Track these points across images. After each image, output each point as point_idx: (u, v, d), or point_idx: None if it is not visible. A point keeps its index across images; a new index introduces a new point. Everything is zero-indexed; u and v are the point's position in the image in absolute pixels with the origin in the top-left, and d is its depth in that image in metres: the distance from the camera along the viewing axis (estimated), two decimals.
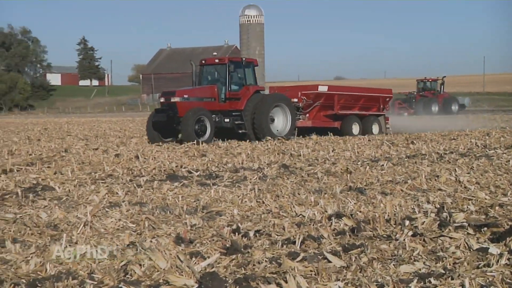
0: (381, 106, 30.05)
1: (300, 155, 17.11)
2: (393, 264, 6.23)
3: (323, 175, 12.77)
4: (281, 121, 25.58)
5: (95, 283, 5.73)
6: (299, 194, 10.40)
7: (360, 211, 8.80)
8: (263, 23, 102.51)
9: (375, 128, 29.01)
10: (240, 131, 24.60)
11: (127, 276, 5.97)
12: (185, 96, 23.83)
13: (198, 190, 11.19)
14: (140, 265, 6.15)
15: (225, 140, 23.86)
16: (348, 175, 12.83)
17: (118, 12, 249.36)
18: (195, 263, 6.27)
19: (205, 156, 17.30)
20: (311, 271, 6.07)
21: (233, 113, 24.66)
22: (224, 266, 6.27)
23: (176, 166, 14.80)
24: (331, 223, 8.07)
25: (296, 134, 26.10)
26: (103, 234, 7.66)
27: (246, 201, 9.80)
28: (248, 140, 23.35)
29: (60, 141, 25.62)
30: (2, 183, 11.94)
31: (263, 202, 9.65)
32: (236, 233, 7.58)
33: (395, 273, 6.01)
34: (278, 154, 17.81)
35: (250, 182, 11.94)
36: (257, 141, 23.22)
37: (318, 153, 17.75)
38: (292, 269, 6.03)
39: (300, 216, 8.62)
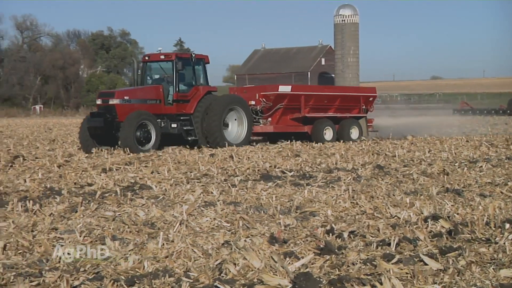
0: (363, 107, 26.77)
1: (395, 156, 16.88)
2: (493, 268, 6.06)
3: (418, 176, 12.55)
4: (236, 127, 22.54)
5: (191, 281, 5.82)
6: (394, 195, 10.26)
7: (457, 213, 8.60)
8: (357, 23, 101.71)
9: (354, 132, 25.76)
10: (190, 138, 21.61)
11: (222, 274, 6.03)
12: (126, 97, 20.76)
13: (291, 190, 11.20)
14: (235, 264, 6.20)
15: (178, 147, 21.00)
16: (445, 176, 12.57)
17: (214, 14, 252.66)
18: (289, 263, 6.27)
19: (299, 157, 17.30)
20: (406, 273, 5.97)
21: (181, 118, 21.55)
22: (318, 267, 6.25)
23: (270, 166, 14.86)
24: (427, 225, 7.92)
25: (251, 141, 23.44)
26: (198, 233, 7.77)
27: (340, 202, 9.74)
28: (199, 148, 20.82)
29: None
30: (102, 182, 12.31)
31: (357, 203, 9.56)
32: (330, 234, 7.54)
33: (494, 277, 5.84)
34: (372, 154, 17.62)
35: (344, 183, 11.86)
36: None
37: (414, 154, 17.46)
38: (387, 271, 5.95)
39: (395, 217, 8.50)
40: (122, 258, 6.53)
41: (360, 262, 6.33)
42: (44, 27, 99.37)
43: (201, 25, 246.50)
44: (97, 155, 18.11)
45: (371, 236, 7.50)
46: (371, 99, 27.32)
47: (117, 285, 5.73)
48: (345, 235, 7.49)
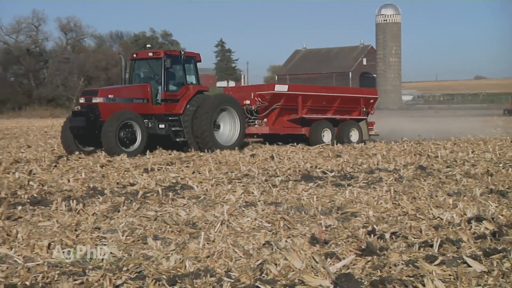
0: (363, 109, 25.71)
1: (438, 157, 16.69)
2: None
3: (462, 177, 12.40)
4: (228, 128, 21.23)
5: (232, 281, 5.83)
6: (436, 196, 10.15)
7: (502, 215, 8.48)
8: (399, 22, 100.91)
9: (354, 135, 24.68)
10: (178, 140, 20.46)
11: (262, 275, 6.04)
12: (110, 96, 19.71)
13: (333, 190, 11.16)
14: (276, 264, 6.20)
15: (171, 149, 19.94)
16: (489, 177, 12.38)
17: (255, 14, 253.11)
18: (330, 263, 6.25)
19: (340, 157, 17.23)
20: (449, 275, 5.91)
21: (170, 118, 20.39)
22: (359, 268, 6.22)
23: (310, 167, 14.82)
24: (471, 226, 7.83)
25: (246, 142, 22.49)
26: (239, 233, 7.78)
27: (381, 203, 9.67)
28: (190, 150, 19.78)
29: None
30: (144, 182, 12.41)
31: (399, 204, 9.48)
32: (372, 235, 7.50)
33: None
34: (414, 155, 17.46)
35: (385, 184, 11.78)
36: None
37: (457, 155, 17.25)
38: (430, 273, 5.90)
39: (438, 218, 8.41)
40: (164, 257, 6.58)
41: (402, 264, 6.28)
42: (88, 28, 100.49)
43: (243, 26, 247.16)
44: (138, 157, 18.26)
45: (413, 237, 7.44)
46: (371, 101, 26.40)
47: (159, 285, 5.77)
48: (387, 236, 7.43)
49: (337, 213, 9.09)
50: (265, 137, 24.35)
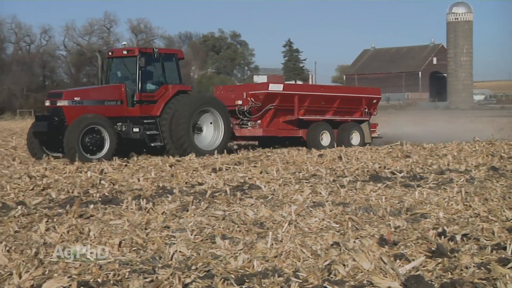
0: (366, 110, 24.25)
1: (511, 158, 16.30)
2: None
3: None
4: (211, 131, 19.74)
5: (300, 281, 5.82)
6: (510, 197, 9.92)
7: None
8: (471, 21, 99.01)
9: (355, 138, 23.27)
10: (153, 144, 18.90)
11: (331, 275, 6.01)
12: (76, 98, 18.29)
13: (402, 191, 11.02)
14: (344, 265, 6.16)
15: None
16: None
17: (323, 14, 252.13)
18: (400, 265, 6.17)
19: (409, 158, 17.00)
20: None
21: (145, 121, 18.87)
22: (429, 270, 6.12)
23: (379, 167, 14.68)
24: None
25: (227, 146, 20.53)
26: (307, 233, 7.76)
27: (452, 204, 9.50)
28: (168, 155, 18.27)
29: None
30: (212, 181, 12.51)
31: (470, 206, 9.29)
32: (442, 237, 7.37)
33: None
34: (486, 156, 17.08)
35: (456, 185, 11.57)
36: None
37: None
38: (503, 276, 5.76)
39: (511, 221, 8.21)
40: (232, 257, 6.62)
41: (473, 266, 6.15)
42: (157, 29, 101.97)
43: (311, 25, 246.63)
44: (203, 157, 18.41)
45: (485, 240, 7.28)
46: (374, 101, 24.88)
47: (227, 284, 5.80)
48: (458, 238, 7.30)
49: (406, 214, 8.98)
50: (260, 140, 23.33)
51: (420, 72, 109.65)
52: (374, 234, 7.61)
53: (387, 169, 14.44)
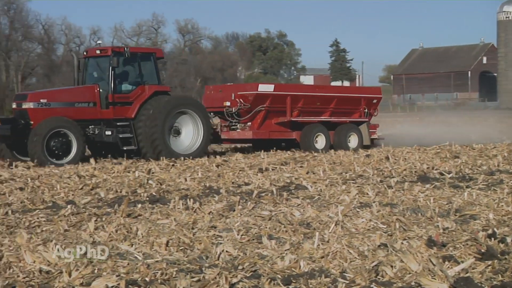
0: (365, 111, 22.92)
1: None
2: None
3: None
4: (191, 134, 18.81)
5: (347, 282, 5.78)
6: None
7: None
8: None
9: (353, 140, 22.08)
10: (126, 148, 17.98)
11: (378, 277, 5.96)
12: (43, 100, 17.49)
13: (450, 192, 10.88)
14: (392, 266, 6.11)
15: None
16: None
17: (370, 13, 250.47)
18: (448, 267, 6.09)
19: (458, 158, 16.78)
20: None
21: (118, 123, 18.04)
22: (479, 272, 6.03)
23: (427, 168, 14.52)
24: None
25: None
26: (354, 234, 7.71)
27: (502, 205, 9.35)
28: (146, 160, 17.60)
29: None
30: (259, 181, 12.53)
31: None
32: (492, 238, 7.24)
33: None
34: None
35: (507, 186, 11.37)
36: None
37: None
38: None
39: None
40: (278, 257, 6.61)
41: None
42: (205, 30, 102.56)
43: (358, 25, 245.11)
44: (253, 156, 18.44)
45: None
46: (375, 101, 23.55)
47: (273, 284, 5.79)
48: (509, 240, 7.16)
49: (455, 215, 8.85)
50: (254, 142, 22.29)
51: (469, 72, 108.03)
52: (422, 235, 7.52)
53: (436, 169, 14.28)
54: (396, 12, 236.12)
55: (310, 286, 5.77)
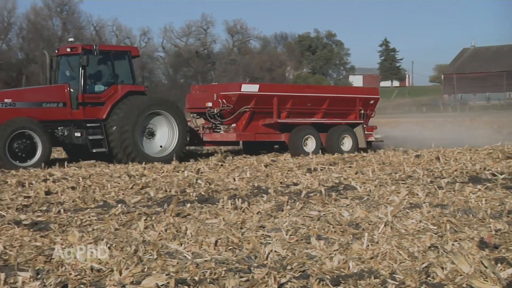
0: (361, 112, 21.87)
1: None
2: None
3: None
4: (166, 136, 18.12)
5: (397, 283, 5.73)
6: None
7: None
8: None
9: (347, 142, 20.98)
10: (95, 150, 17.27)
11: (428, 278, 5.89)
12: (7, 100, 16.79)
13: (503, 193, 10.69)
14: (442, 268, 6.03)
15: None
16: None
17: (420, 12, 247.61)
18: (501, 269, 5.99)
19: (511, 159, 16.47)
20: None
21: (88, 124, 17.30)
22: None
23: (479, 168, 14.29)
24: None
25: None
26: (403, 235, 7.64)
27: None
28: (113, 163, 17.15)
29: None
30: (307, 182, 12.50)
31: None
32: None
33: None
34: None
35: None
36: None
37: None
38: None
39: None
40: (327, 257, 6.58)
41: None
42: (253, 30, 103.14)
43: (408, 24, 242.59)
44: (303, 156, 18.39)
45: None
46: (372, 102, 22.36)
47: (322, 284, 5.77)
48: None
49: (508, 217, 8.70)
50: (244, 145, 21.80)
51: None
52: (474, 237, 7.41)
53: (487, 170, 14.04)
54: (447, 11, 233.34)
55: (359, 287, 5.73)
